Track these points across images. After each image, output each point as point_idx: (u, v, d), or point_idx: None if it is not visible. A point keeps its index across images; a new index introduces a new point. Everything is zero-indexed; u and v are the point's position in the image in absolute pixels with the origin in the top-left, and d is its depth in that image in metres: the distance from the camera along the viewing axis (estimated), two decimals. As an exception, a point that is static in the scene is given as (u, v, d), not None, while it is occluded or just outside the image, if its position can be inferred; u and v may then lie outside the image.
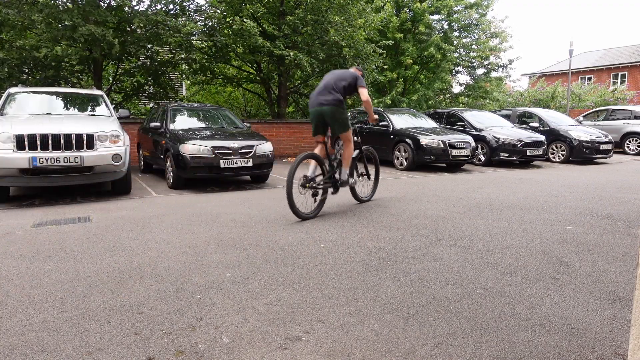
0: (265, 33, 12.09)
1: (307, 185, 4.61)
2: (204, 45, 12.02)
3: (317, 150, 4.97)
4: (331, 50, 12.07)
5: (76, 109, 7.01)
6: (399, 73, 16.98)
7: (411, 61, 16.51)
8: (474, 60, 18.69)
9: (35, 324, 2.21)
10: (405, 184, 7.22)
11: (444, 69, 17.05)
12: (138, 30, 10.58)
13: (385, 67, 15.89)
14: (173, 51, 11.51)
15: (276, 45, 11.35)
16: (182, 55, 11.79)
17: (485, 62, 18.85)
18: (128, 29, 10.53)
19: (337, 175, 5.03)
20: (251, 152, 6.80)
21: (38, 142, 5.26)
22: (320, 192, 4.84)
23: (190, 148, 6.47)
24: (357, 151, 5.33)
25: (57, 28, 9.27)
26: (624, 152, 13.47)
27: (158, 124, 7.54)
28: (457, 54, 18.20)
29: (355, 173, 5.37)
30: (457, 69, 19.21)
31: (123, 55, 10.55)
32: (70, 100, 7.10)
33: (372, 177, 5.85)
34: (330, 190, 5.04)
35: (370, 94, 15.23)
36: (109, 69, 12.93)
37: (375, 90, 17.18)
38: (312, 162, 4.82)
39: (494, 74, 19.43)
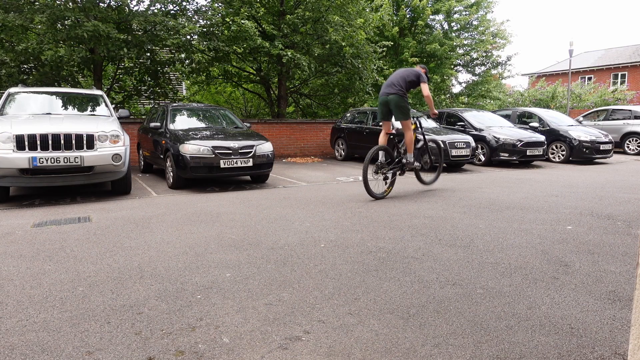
0: (264, 33, 12.09)
1: (379, 171, 5.68)
2: (202, 47, 12.02)
3: (382, 141, 5.93)
4: (332, 49, 12.07)
5: (76, 109, 7.01)
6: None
7: (417, 60, 16.50)
8: (475, 59, 18.70)
9: (35, 324, 2.21)
10: (405, 184, 7.21)
11: (445, 64, 17.05)
12: (139, 31, 10.57)
13: (385, 67, 15.89)
14: (173, 51, 11.51)
15: (275, 45, 11.35)
16: (182, 56, 11.78)
17: (486, 62, 18.86)
18: (128, 29, 10.52)
19: (403, 160, 5.96)
20: (251, 152, 6.81)
21: (38, 142, 5.26)
22: (390, 175, 5.81)
23: (190, 148, 6.47)
24: (421, 142, 6.33)
25: (59, 29, 9.26)
26: (624, 152, 13.47)
27: (158, 124, 7.54)
28: (456, 54, 18.21)
29: (420, 159, 6.23)
30: (456, 68, 19.22)
31: (123, 55, 10.54)
32: (70, 100, 7.11)
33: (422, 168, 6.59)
34: (398, 172, 5.96)
35: (373, 93, 15.26)
36: (109, 69, 12.93)
37: (376, 91, 17.17)
38: (382, 154, 5.74)
39: (493, 72, 19.44)
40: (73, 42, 9.29)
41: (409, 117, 5.80)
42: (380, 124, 6.28)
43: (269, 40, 11.63)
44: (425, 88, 5.75)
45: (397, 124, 6.03)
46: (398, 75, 5.82)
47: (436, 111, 6.32)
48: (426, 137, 6.40)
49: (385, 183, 5.81)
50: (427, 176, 6.55)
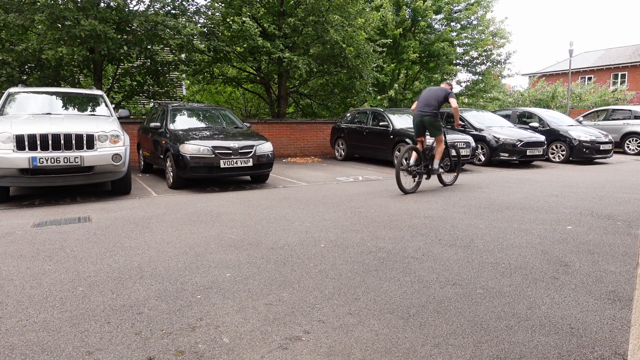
0: (265, 33, 12.09)
1: (410, 170, 6.35)
2: (203, 47, 12.02)
3: (417, 145, 6.66)
4: (333, 49, 12.07)
5: (76, 109, 7.01)
6: (399, 68, 16.94)
7: (416, 55, 16.48)
8: (475, 59, 18.70)
9: (35, 324, 2.21)
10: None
11: (444, 61, 17.05)
12: (139, 31, 10.57)
13: (385, 65, 15.88)
14: (174, 51, 11.51)
15: (275, 45, 11.35)
16: (183, 56, 11.78)
17: (486, 61, 18.86)
18: (128, 29, 10.52)
19: (430, 166, 6.64)
20: (251, 152, 6.81)
21: (38, 142, 5.26)
22: (417, 176, 6.46)
23: (190, 148, 6.47)
24: (444, 148, 6.94)
25: (59, 29, 9.26)
26: (624, 152, 13.47)
27: (158, 124, 7.54)
28: (455, 52, 18.21)
29: (441, 164, 6.89)
30: (456, 67, 19.21)
31: (123, 55, 10.54)
32: (70, 100, 7.10)
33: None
34: (425, 176, 6.65)
35: (374, 92, 15.29)
36: (109, 69, 12.93)
37: (377, 90, 17.17)
38: (414, 154, 6.46)
39: (493, 71, 19.44)
40: (73, 41, 9.28)
41: (441, 133, 6.60)
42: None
43: (270, 40, 11.64)
44: (453, 102, 6.51)
45: (430, 140, 6.85)
46: (430, 96, 6.52)
47: (460, 122, 7.18)
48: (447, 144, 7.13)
49: (414, 181, 6.46)
50: (447, 177, 7.19)
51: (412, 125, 10.32)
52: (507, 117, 12.27)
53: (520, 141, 9.90)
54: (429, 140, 6.84)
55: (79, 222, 4.51)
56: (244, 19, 10.83)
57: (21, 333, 2.11)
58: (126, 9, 10.01)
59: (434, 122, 6.47)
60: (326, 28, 11.61)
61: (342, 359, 1.89)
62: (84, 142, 5.49)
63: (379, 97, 16.44)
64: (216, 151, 6.52)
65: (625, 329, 2.13)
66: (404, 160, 6.51)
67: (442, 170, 6.97)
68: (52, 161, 5.29)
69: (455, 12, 17.69)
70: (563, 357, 1.90)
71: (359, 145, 11.07)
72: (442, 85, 6.76)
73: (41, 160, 5.23)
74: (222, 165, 6.54)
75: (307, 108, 17.27)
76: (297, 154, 13.04)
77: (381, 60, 14.30)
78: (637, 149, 13.31)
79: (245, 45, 11.52)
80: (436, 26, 17.91)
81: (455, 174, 7.32)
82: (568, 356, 1.90)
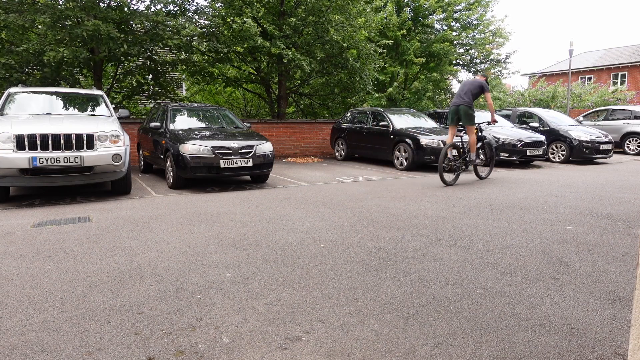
0: (265, 33, 12.09)
1: (451, 166, 6.92)
2: (202, 48, 12.03)
3: (450, 141, 7.14)
4: (333, 49, 12.06)
5: (76, 109, 7.01)
6: (406, 72, 16.92)
7: (422, 60, 16.49)
8: (475, 58, 18.70)
9: (35, 324, 2.21)
10: (405, 184, 7.21)
11: (444, 61, 17.06)
12: (140, 31, 10.57)
13: (386, 65, 15.88)
14: (174, 51, 11.51)
15: (276, 44, 11.35)
16: (183, 57, 11.78)
17: (486, 61, 18.86)
18: (128, 29, 10.52)
19: (467, 158, 7.19)
20: (251, 152, 6.81)
21: (38, 142, 5.26)
22: (456, 168, 7.01)
23: (190, 148, 6.47)
24: (480, 143, 7.51)
25: (60, 29, 9.25)
26: (624, 152, 13.47)
27: (158, 124, 7.54)
28: (456, 52, 18.21)
29: (479, 157, 7.52)
30: (456, 67, 19.21)
31: (124, 55, 10.54)
32: (70, 100, 7.10)
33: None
34: (463, 167, 7.14)
35: (374, 91, 15.29)
36: (109, 69, 12.93)
37: (378, 90, 17.16)
38: (453, 150, 7.08)
39: (492, 70, 19.43)
40: (75, 42, 9.27)
41: (474, 124, 7.08)
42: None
43: (270, 40, 11.63)
44: (488, 97, 7.14)
45: (466, 138, 7.37)
46: (466, 87, 7.07)
47: (496, 118, 7.81)
48: (483, 140, 7.69)
49: (454, 174, 7.03)
50: (482, 171, 7.74)
51: (411, 126, 10.42)
52: (507, 117, 12.27)
53: (520, 141, 9.90)
54: (464, 137, 7.37)
55: (79, 222, 4.51)
56: (244, 19, 10.83)
57: (21, 333, 2.11)
58: (126, 9, 10.01)
59: (467, 110, 6.95)
60: (326, 28, 11.61)
61: (342, 359, 1.89)
62: (84, 142, 5.49)
63: (376, 95, 16.43)
64: (216, 151, 6.52)
65: (625, 329, 2.13)
66: (446, 158, 6.87)
67: (479, 162, 7.53)
68: (52, 161, 5.29)
69: (456, 12, 17.70)
70: (563, 357, 1.90)
71: (359, 145, 11.07)
72: (478, 77, 7.31)
73: (41, 160, 5.23)
74: (222, 165, 6.54)
75: (307, 108, 17.27)
76: (297, 154, 13.04)
77: (382, 60, 14.29)
78: (637, 149, 13.30)
79: (245, 45, 11.51)
80: (436, 26, 17.91)
81: (490, 168, 7.82)
82: (568, 356, 1.90)
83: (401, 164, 9.52)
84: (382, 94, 16.60)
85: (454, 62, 18.44)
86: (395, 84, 16.54)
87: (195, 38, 11.09)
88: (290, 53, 11.15)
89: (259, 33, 11.16)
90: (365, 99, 15.44)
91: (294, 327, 2.17)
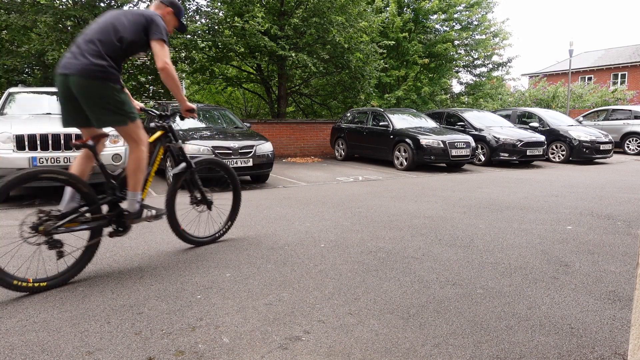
0: (266, 33, 12.10)
1: None
2: (204, 45, 12.03)
3: None
4: (335, 50, 12.07)
5: (76, 109, 7.00)
6: (407, 73, 16.93)
7: (427, 60, 16.50)
8: (476, 60, 18.70)
9: (35, 324, 2.21)
10: (405, 184, 7.21)
11: (450, 68, 17.09)
12: None
13: (387, 66, 15.89)
14: (175, 49, 11.51)
15: (279, 45, 11.36)
16: (183, 54, 11.79)
17: (487, 62, 18.87)
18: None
19: None
20: (251, 152, 6.81)
21: (38, 142, 5.26)
22: None
23: (190, 148, 6.47)
24: None
25: (62, 30, 9.25)
26: (624, 152, 13.47)
27: (158, 124, 7.53)
28: (458, 55, 18.22)
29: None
30: (457, 68, 19.23)
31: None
32: (70, 100, 7.10)
33: None
34: None
35: (375, 92, 15.31)
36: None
37: (379, 90, 17.16)
38: None
39: (494, 73, 19.44)
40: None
41: None
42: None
43: (274, 41, 11.65)
44: None
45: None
46: None
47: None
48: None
49: None
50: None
51: (411, 126, 10.42)
52: (507, 117, 12.27)
53: (520, 141, 9.91)
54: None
55: (79, 222, 4.51)
56: (254, 15, 10.84)
57: (21, 333, 2.11)
58: (125, 8, 10.01)
59: None
60: (328, 29, 11.62)
61: (342, 359, 1.89)
62: (84, 142, 5.49)
63: (386, 96, 16.45)
64: (216, 151, 6.52)
65: (625, 329, 2.13)
66: None
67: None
68: (52, 161, 5.29)
69: (456, 13, 17.71)
70: (563, 357, 1.90)
71: (359, 145, 11.07)
72: None
73: (41, 160, 5.23)
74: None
75: (307, 108, 17.27)
76: (297, 154, 13.04)
77: (382, 60, 14.29)
78: (637, 149, 13.30)
79: (249, 43, 11.51)
80: (437, 26, 17.92)
81: None
82: (568, 356, 1.90)
83: (401, 164, 9.53)
84: (389, 95, 16.59)
85: (454, 61, 18.45)
86: (404, 87, 16.54)
87: (197, 35, 11.09)
88: (294, 54, 11.17)
89: (260, 34, 11.17)
90: (369, 99, 15.46)
91: (294, 327, 2.17)
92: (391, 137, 9.84)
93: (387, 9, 16.54)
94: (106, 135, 3.02)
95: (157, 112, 3.47)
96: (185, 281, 2.80)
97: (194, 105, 3.43)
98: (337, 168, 9.88)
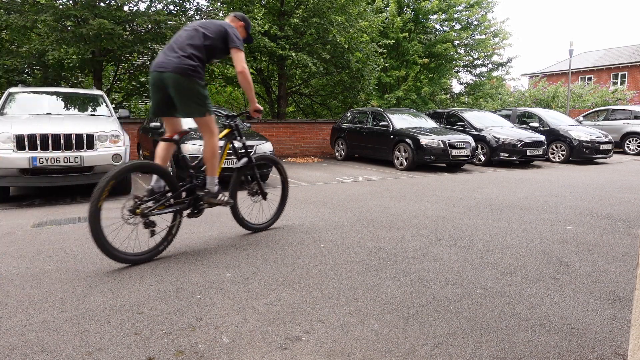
0: (266, 34, 12.11)
1: None
2: None
3: None
4: (336, 50, 12.07)
5: (76, 109, 7.01)
6: (407, 73, 16.94)
7: (427, 60, 16.50)
8: (476, 60, 18.71)
9: (35, 324, 2.21)
10: (405, 184, 7.21)
11: (450, 68, 17.10)
12: (140, 31, 10.57)
13: (387, 65, 15.90)
14: None
15: (279, 45, 11.36)
16: None
17: (487, 62, 18.87)
18: (128, 28, 10.53)
19: None
20: (251, 152, 6.80)
21: (38, 142, 5.26)
22: None
23: (190, 148, 6.47)
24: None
25: (62, 30, 9.24)
26: (624, 152, 13.47)
27: (158, 124, 7.54)
28: (458, 55, 18.23)
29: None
30: (457, 68, 19.23)
31: (124, 55, 10.54)
32: (70, 100, 7.10)
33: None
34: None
35: (375, 91, 15.31)
36: (109, 69, 12.93)
37: (379, 90, 17.16)
38: None
39: (494, 73, 19.45)
40: (78, 41, 9.24)
41: None
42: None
43: (274, 41, 11.65)
44: None
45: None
46: None
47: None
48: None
49: None
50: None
51: (411, 126, 10.43)
52: (507, 117, 12.27)
53: (520, 141, 9.91)
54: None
55: (79, 222, 4.51)
56: (254, 16, 10.85)
57: (21, 333, 2.11)
58: (126, 8, 10.01)
59: None
60: (328, 29, 11.63)
61: (342, 359, 1.89)
62: (84, 142, 5.49)
63: (386, 96, 16.46)
64: (216, 151, 6.52)
65: (625, 329, 2.13)
66: None
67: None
68: (52, 161, 5.29)
69: (456, 13, 17.71)
70: (563, 357, 1.90)
71: (359, 145, 11.07)
72: None
73: (41, 160, 5.23)
74: (222, 165, 6.53)
75: (307, 108, 17.27)
76: (297, 154, 13.04)
77: (382, 60, 14.30)
78: (637, 149, 13.31)
79: (249, 44, 11.53)
80: (437, 26, 17.92)
81: None
82: (568, 356, 1.90)
83: (401, 164, 9.53)
84: (389, 94, 16.59)
85: (454, 61, 18.45)
86: (404, 87, 16.54)
87: None
88: (294, 54, 11.17)
89: (260, 35, 11.17)
90: (370, 99, 15.46)
91: (294, 327, 2.17)
92: (391, 137, 9.84)
93: (387, 9, 16.55)
94: (187, 132, 3.65)
95: (224, 113, 3.94)
96: (185, 281, 2.80)
97: (261, 107, 3.85)
98: (337, 168, 9.88)
